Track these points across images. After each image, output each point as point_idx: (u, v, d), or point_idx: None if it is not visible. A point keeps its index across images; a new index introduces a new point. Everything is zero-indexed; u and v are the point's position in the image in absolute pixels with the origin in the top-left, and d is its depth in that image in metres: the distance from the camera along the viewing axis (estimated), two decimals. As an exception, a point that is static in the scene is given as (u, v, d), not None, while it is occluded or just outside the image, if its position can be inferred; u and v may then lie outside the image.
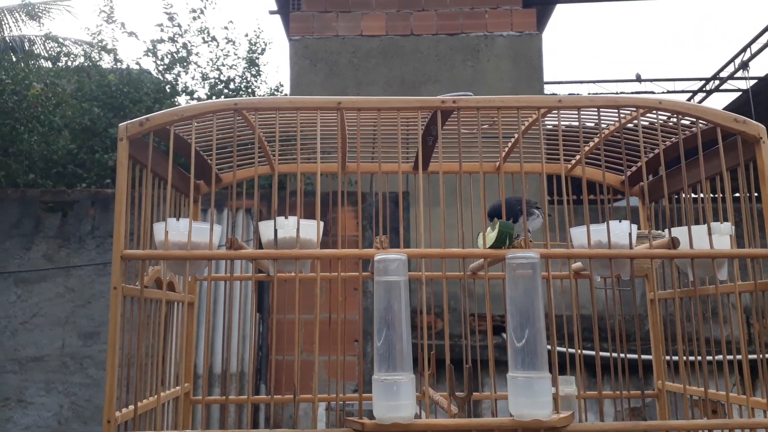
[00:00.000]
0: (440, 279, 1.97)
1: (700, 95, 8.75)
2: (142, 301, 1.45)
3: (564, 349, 1.66)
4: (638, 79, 8.47)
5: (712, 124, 1.53)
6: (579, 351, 1.58)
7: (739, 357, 1.53)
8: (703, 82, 8.77)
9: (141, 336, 1.46)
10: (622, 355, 1.86)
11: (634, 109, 1.58)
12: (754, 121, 1.50)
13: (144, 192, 1.53)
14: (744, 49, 7.97)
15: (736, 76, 8.13)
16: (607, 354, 1.88)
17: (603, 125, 1.85)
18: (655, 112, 1.56)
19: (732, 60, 8.22)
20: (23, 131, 5.34)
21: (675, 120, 1.60)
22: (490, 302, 1.54)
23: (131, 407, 1.41)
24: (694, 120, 1.55)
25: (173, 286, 1.76)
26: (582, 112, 1.64)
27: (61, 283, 4.60)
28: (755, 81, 7.65)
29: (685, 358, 1.68)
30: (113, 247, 1.38)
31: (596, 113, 1.60)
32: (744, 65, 7.86)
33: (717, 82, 8.60)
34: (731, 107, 7.75)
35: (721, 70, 8.46)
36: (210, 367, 4.11)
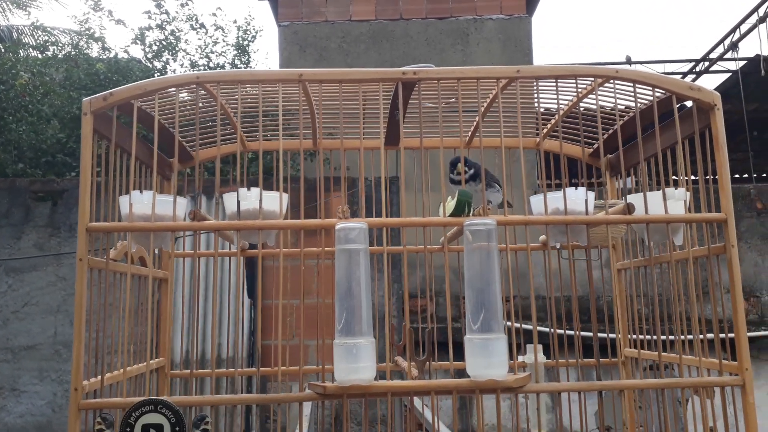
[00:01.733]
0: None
1: (691, 77, 8.75)
2: (107, 273, 1.48)
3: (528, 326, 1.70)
4: (629, 61, 8.46)
5: (668, 92, 1.55)
6: (535, 325, 1.61)
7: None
8: (693, 63, 8.76)
9: (107, 308, 1.49)
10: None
11: (593, 79, 1.60)
12: (708, 89, 1.52)
13: (110, 166, 1.55)
14: (733, 30, 7.96)
15: (725, 57, 8.12)
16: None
17: (572, 97, 1.86)
18: (612, 82, 1.58)
19: (722, 41, 8.21)
20: (11, 121, 5.35)
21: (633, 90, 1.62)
22: (449, 274, 1.56)
23: (99, 377, 1.44)
24: (651, 89, 1.57)
25: (145, 261, 1.79)
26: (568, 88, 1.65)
27: (52, 271, 4.62)
28: (744, 62, 7.65)
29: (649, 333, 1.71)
30: (78, 220, 1.41)
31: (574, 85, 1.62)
32: (733, 46, 7.86)
33: (707, 63, 8.59)
34: (721, 88, 7.75)
35: (711, 51, 8.45)
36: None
